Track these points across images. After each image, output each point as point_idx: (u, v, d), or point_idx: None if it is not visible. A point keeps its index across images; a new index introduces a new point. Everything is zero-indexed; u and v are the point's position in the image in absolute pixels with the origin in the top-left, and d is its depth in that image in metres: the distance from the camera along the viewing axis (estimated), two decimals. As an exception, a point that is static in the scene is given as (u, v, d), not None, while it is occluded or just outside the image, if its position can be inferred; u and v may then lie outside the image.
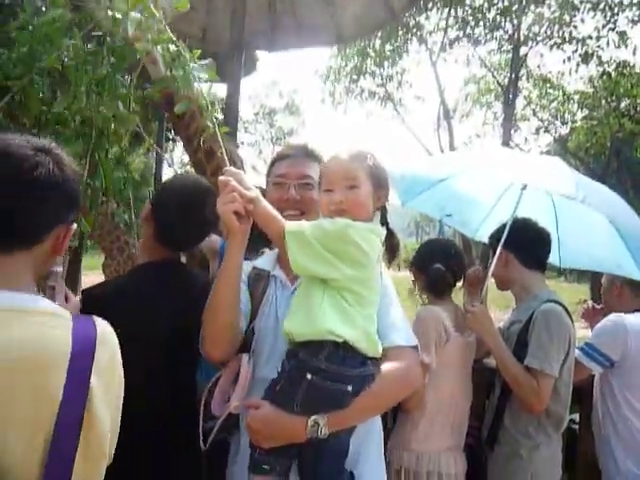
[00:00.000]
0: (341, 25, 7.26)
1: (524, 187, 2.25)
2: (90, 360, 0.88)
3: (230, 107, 5.50)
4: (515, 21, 11.96)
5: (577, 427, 2.51)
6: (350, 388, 1.20)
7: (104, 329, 0.95)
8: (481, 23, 12.30)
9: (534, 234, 2.19)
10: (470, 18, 12.15)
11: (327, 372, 1.18)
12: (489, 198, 2.73)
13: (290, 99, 29.36)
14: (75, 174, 1.01)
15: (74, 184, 1.00)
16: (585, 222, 2.44)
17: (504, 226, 2.19)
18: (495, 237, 2.23)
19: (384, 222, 1.37)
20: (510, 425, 2.02)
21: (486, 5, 11.93)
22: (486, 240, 2.51)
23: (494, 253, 2.19)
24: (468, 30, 12.33)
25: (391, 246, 1.38)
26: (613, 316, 2.28)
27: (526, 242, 2.17)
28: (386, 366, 1.28)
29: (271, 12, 7.50)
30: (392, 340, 1.33)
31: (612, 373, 2.25)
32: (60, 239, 1.00)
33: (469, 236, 2.97)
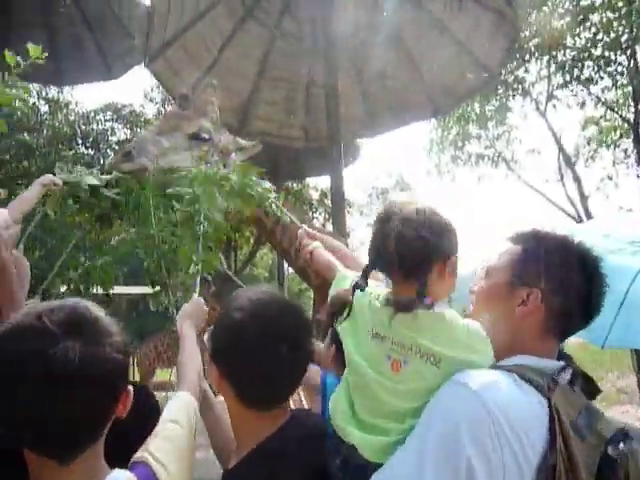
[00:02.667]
0: (436, 98, 7.22)
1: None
2: None
3: (336, 196, 5.56)
4: (628, 52, 11.00)
5: None
6: None
7: None
8: (588, 62, 11.53)
9: None
10: (575, 60, 11.46)
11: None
12: (615, 294, 2.23)
13: (399, 176, 29.90)
14: (116, 336, 0.92)
15: (116, 353, 0.90)
16: None
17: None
18: None
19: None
20: None
21: (590, 43, 11.23)
22: (620, 347, 1.97)
23: None
24: (575, 72, 11.59)
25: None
26: None
27: None
28: None
29: (365, 101, 7.76)
30: None
31: None
32: (121, 408, 0.94)
33: (597, 345, 2.44)
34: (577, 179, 12.67)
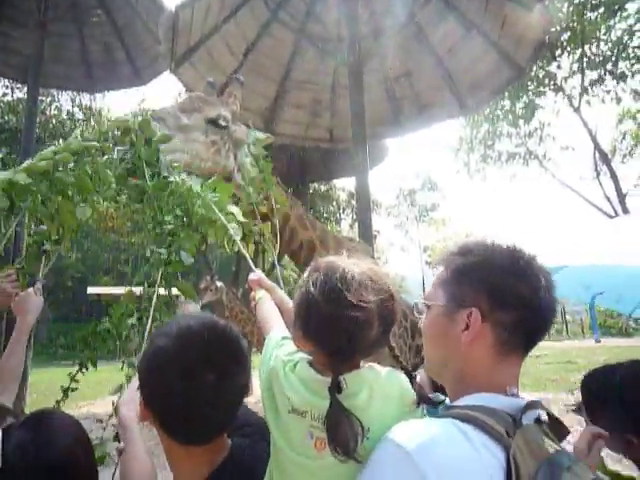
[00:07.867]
0: (463, 95, 7.07)
1: None
2: None
3: (361, 197, 5.50)
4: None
5: None
6: None
7: None
8: (623, 55, 11.11)
9: None
10: (609, 53, 11.06)
11: None
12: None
13: (426, 177, 29.61)
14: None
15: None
16: None
17: None
18: None
19: None
20: None
21: (626, 36, 10.81)
22: None
23: None
24: (609, 66, 11.19)
25: None
26: None
27: None
28: None
29: (391, 100, 7.68)
30: None
31: None
32: None
33: (625, 313, 2.51)
34: (614, 176, 12.22)
